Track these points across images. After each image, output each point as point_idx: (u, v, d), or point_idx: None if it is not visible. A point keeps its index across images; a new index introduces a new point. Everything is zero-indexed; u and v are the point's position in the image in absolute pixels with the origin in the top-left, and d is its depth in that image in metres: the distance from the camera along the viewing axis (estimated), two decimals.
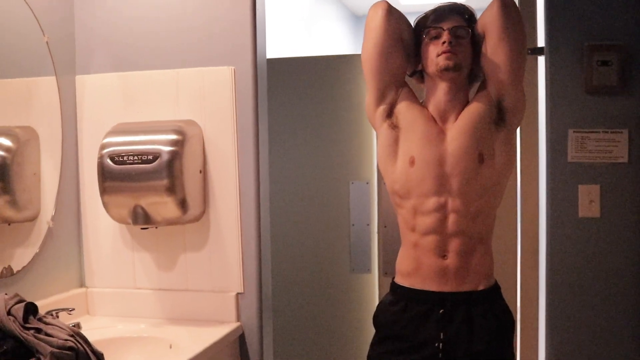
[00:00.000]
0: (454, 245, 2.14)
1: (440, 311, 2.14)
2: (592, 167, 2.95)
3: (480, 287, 2.18)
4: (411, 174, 2.13)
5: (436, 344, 2.13)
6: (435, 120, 2.18)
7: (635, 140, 2.91)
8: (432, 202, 2.13)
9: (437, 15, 2.19)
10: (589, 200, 2.95)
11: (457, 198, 2.13)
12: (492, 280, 2.23)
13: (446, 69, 2.13)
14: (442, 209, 2.13)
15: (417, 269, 2.17)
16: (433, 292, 2.15)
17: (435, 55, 2.15)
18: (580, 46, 2.93)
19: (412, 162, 2.13)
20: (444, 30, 2.14)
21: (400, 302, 2.20)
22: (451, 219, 2.13)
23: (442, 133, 2.16)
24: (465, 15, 2.21)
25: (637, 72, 2.90)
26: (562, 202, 2.98)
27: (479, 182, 2.14)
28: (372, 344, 2.26)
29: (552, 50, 2.98)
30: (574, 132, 2.95)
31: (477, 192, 2.14)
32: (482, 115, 2.15)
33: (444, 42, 2.13)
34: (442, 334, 2.13)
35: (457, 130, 2.14)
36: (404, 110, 2.19)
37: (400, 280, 2.22)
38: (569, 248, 2.98)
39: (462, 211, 2.14)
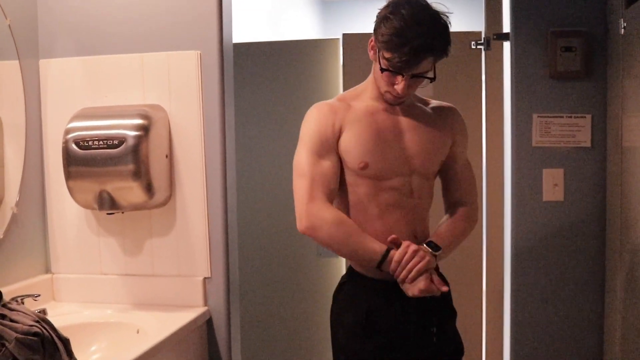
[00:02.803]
0: (420, 222, 2.17)
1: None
2: (556, 151, 2.99)
3: None
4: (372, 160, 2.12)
5: (432, 329, 2.14)
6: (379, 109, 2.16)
7: (598, 125, 2.96)
8: (396, 179, 2.13)
9: (411, 54, 1.95)
10: (553, 184, 3.00)
11: (419, 174, 2.16)
12: None
13: (391, 104, 2.14)
14: (406, 185, 2.14)
15: None
16: None
17: (383, 83, 2.07)
18: (544, 32, 2.97)
19: (365, 166, 2.10)
20: (403, 76, 2.02)
21: (389, 302, 2.13)
22: (415, 194, 2.15)
23: (395, 124, 2.15)
24: (442, 53, 2.01)
25: (600, 58, 2.94)
26: (527, 186, 3.02)
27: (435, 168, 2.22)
28: (353, 340, 2.15)
29: (517, 36, 3.02)
30: (538, 116, 2.99)
31: (434, 170, 2.22)
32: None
33: (397, 85, 2.03)
34: (433, 318, 2.15)
35: (418, 145, 2.15)
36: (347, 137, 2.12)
37: (363, 271, 2.18)
38: (534, 231, 3.02)
39: (424, 185, 2.17)
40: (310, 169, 2.07)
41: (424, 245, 2.06)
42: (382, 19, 2.00)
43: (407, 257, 1.99)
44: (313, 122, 2.12)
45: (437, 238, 2.12)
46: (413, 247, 2.01)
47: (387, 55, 1.98)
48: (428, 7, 1.99)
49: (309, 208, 2.04)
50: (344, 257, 2.12)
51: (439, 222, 2.25)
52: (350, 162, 2.10)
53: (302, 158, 2.09)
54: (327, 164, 2.08)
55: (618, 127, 2.78)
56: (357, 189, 2.13)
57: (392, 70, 2.00)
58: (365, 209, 2.13)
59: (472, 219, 2.26)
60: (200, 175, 2.43)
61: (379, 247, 2.03)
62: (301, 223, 2.05)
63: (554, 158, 3.00)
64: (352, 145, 2.09)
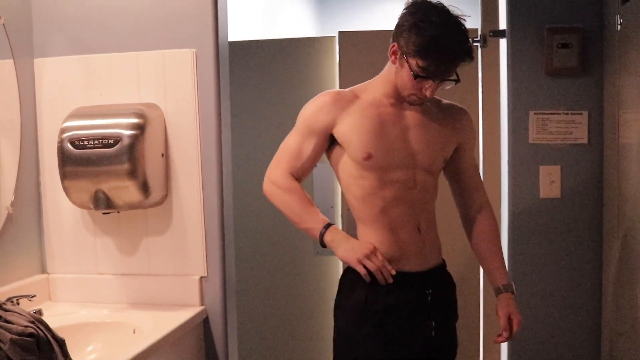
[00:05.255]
0: (424, 216, 2.17)
1: (429, 291, 2.15)
2: (552, 148, 2.99)
3: (440, 258, 2.25)
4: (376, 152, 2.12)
5: (429, 323, 2.15)
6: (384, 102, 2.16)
7: (595, 121, 2.96)
8: (400, 172, 2.13)
9: (449, 62, 2.01)
10: (549, 181, 2.99)
11: (423, 169, 2.16)
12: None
13: (412, 104, 2.15)
14: (410, 179, 2.14)
15: (395, 248, 2.14)
16: (416, 272, 2.15)
17: (410, 87, 2.07)
18: (541, 29, 2.97)
19: (369, 157, 2.10)
20: (434, 81, 2.04)
21: (388, 291, 2.12)
22: (419, 187, 2.15)
23: (400, 118, 2.16)
24: (472, 57, 2.06)
25: (596, 55, 2.94)
26: (524, 183, 3.02)
27: (441, 161, 2.22)
28: (356, 341, 2.15)
29: (514, 32, 3.01)
30: (534, 113, 2.99)
31: (438, 166, 2.22)
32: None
33: (426, 90, 2.06)
34: (432, 314, 2.16)
35: (422, 141, 2.16)
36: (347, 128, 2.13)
37: None
38: (531, 228, 3.02)
39: (428, 179, 2.18)
40: (286, 144, 2.21)
41: (512, 296, 2.28)
42: (410, 27, 2.00)
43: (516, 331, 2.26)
44: (311, 105, 2.19)
45: (503, 271, 2.30)
46: (517, 319, 2.25)
47: (421, 63, 2.00)
48: (450, 12, 2.02)
49: (269, 174, 2.22)
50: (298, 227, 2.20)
51: (479, 242, 2.31)
52: (353, 153, 2.12)
53: (288, 136, 2.22)
54: (306, 144, 2.16)
55: (615, 123, 2.77)
56: (362, 181, 2.14)
57: (428, 77, 2.02)
58: (371, 202, 2.14)
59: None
60: (197, 174, 2.42)
61: (315, 225, 2.12)
62: (263, 186, 2.22)
63: (550, 155, 3.00)
64: (353, 135, 2.11)
